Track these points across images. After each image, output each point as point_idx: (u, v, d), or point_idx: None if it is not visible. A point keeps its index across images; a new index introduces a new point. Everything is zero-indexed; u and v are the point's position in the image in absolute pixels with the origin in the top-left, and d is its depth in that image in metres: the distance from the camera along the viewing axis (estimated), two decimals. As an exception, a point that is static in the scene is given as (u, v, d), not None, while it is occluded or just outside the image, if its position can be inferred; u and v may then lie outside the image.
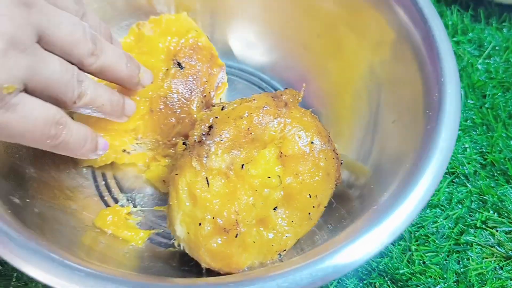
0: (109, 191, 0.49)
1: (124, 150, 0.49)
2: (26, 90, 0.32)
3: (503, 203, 0.51)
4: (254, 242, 0.42)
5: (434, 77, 0.41)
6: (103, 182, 0.50)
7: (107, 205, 0.48)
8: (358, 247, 0.33)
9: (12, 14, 0.30)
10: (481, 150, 0.54)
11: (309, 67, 0.56)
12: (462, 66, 0.59)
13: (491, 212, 0.50)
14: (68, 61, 0.35)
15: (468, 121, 0.56)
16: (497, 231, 0.49)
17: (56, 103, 0.35)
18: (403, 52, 0.45)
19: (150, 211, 0.48)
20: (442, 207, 0.51)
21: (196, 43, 0.51)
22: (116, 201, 0.49)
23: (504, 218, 0.50)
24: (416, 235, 0.48)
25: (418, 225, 0.49)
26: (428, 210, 0.50)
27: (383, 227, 0.33)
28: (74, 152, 0.38)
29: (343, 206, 0.45)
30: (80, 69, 0.36)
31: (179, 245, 0.42)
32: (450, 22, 0.63)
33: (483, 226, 0.50)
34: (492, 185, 0.52)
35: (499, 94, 0.58)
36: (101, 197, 0.49)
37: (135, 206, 0.48)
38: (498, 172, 0.53)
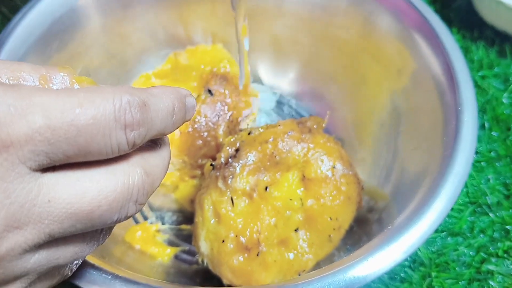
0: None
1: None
2: None
3: (526, 234, 0.51)
4: (275, 261, 0.44)
5: (453, 106, 0.43)
6: (135, 201, 0.52)
7: (137, 222, 0.51)
8: (371, 263, 0.34)
9: None
10: (504, 181, 0.55)
11: (334, 97, 0.58)
12: (487, 99, 0.60)
13: (514, 242, 0.51)
14: None
15: (492, 153, 0.57)
16: (519, 261, 0.49)
17: None
18: (424, 80, 0.47)
19: (177, 229, 0.51)
20: (464, 236, 0.51)
21: (227, 72, 0.54)
22: (145, 218, 0.51)
23: (527, 249, 0.50)
24: (436, 261, 0.49)
25: (439, 252, 0.50)
26: (449, 238, 0.51)
27: (395, 246, 0.35)
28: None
29: (362, 230, 0.47)
30: None
31: (202, 261, 0.44)
32: (475, 57, 0.64)
33: (505, 255, 0.50)
34: (515, 216, 0.52)
35: (524, 127, 0.58)
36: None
37: (163, 224, 0.51)
38: (521, 203, 0.53)
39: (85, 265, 0.34)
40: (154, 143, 0.28)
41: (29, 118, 0.21)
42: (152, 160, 0.27)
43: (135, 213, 0.26)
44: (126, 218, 0.26)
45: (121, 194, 0.24)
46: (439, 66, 0.46)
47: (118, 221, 0.25)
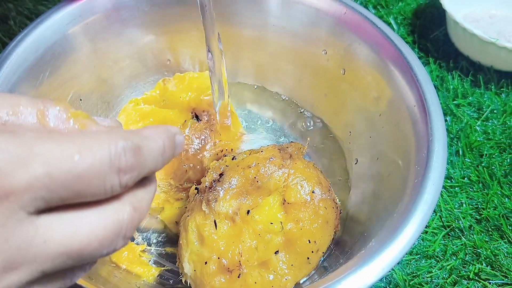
0: (127, 230, 0.54)
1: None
2: None
3: (496, 257, 0.53)
4: (255, 282, 0.45)
5: (425, 135, 0.45)
6: (122, 222, 0.54)
7: (124, 243, 0.52)
8: (344, 286, 0.36)
9: None
10: (476, 206, 0.57)
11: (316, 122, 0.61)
12: (461, 127, 0.63)
13: (484, 265, 0.53)
14: None
15: (465, 179, 0.59)
16: (489, 283, 0.52)
17: None
18: (399, 109, 0.49)
19: (162, 250, 0.52)
20: (437, 258, 0.53)
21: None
22: (132, 239, 0.53)
23: (497, 271, 0.52)
24: (410, 283, 0.51)
25: (413, 274, 0.52)
26: (423, 261, 0.53)
27: (367, 270, 0.37)
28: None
29: (341, 253, 0.49)
30: None
31: (186, 282, 0.46)
32: (451, 86, 0.67)
33: (476, 278, 0.52)
34: (486, 239, 0.55)
35: (495, 154, 0.61)
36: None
37: (149, 245, 0.53)
38: (492, 227, 0.56)
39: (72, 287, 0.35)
40: (143, 178, 0.30)
41: (30, 167, 0.23)
42: (140, 195, 0.29)
43: (123, 246, 0.28)
44: (114, 251, 0.27)
45: (111, 231, 0.26)
46: (412, 97, 0.48)
47: (107, 254, 0.27)
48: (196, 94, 0.56)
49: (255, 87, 0.64)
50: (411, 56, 0.51)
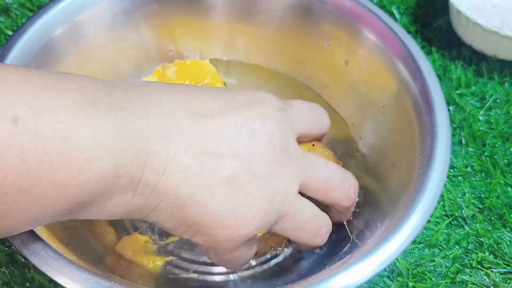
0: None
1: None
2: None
3: (499, 246, 0.54)
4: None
5: (429, 126, 0.46)
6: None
7: (129, 232, 0.53)
8: (350, 274, 0.36)
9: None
10: (479, 195, 0.58)
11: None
12: (464, 116, 0.63)
13: (487, 253, 0.53)
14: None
15: (468, 168, 0.59)
16: (492, 271, 0.52)
17: None
18: (403, 98, 0.49)
19: (166, 239, 0.53)
20: (440, 247, 0.54)
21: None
22: (136, 229, 0.53)
23: (499, 260, 0.53)
24: (413, 272, 0.51)
25: (416, 263, 0.52)
26: (426, 249, 0.53)
27: (373, 258, 0.37)
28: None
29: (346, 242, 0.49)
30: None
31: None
32: (454, 76, 0.67)
33: (479, 266, 0.52)
34: (489, 228, 0.55)
35: (498, 143, 0.61)
36: (123, 225, 0.53)
37: (154, 235, 0.53)
38: (495, 216, 0.56)
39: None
40: None
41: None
42: None
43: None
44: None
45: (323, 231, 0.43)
46: (416, 88, 0.48)
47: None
48: (195, 81, 0.56)
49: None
50: (414, 47, 0.51)
